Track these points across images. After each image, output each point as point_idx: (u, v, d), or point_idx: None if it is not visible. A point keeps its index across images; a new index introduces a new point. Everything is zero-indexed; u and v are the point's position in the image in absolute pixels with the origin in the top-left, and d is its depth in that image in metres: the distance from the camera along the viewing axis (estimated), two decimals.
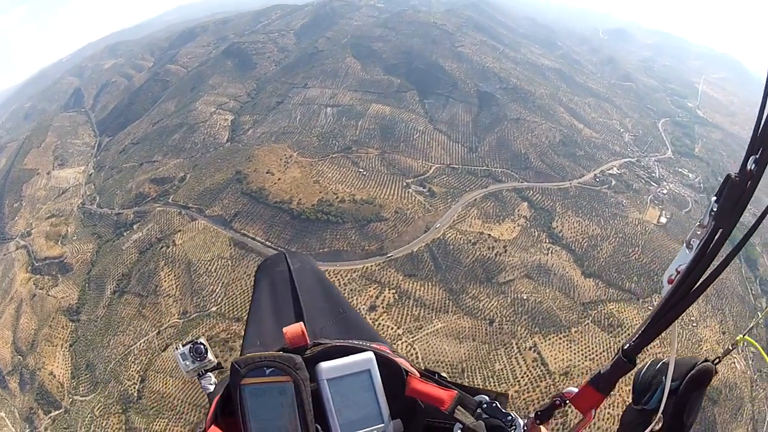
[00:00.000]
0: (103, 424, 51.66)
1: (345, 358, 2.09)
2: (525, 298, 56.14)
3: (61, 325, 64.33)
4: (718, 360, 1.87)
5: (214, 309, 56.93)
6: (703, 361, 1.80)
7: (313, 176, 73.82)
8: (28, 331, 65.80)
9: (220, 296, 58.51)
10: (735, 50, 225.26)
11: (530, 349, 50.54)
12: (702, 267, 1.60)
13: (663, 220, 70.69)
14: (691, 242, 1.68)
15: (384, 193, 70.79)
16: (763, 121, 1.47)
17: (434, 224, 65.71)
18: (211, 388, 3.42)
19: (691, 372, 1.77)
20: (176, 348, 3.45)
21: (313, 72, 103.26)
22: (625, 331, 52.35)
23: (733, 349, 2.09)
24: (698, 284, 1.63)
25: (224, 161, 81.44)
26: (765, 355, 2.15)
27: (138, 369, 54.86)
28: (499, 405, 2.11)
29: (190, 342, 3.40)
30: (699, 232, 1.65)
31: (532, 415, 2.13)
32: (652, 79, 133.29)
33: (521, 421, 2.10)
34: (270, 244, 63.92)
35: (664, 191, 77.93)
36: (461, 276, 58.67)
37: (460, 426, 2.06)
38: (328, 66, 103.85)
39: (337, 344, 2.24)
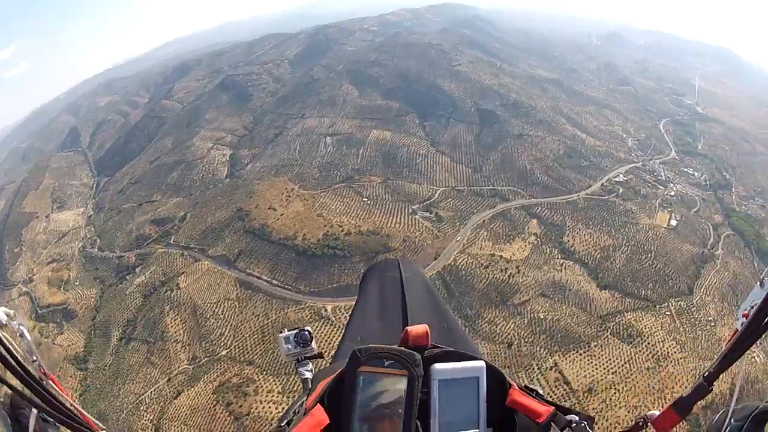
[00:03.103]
0: None
1: (459, 362, 2.16)
2: (542, 317, 55.58)
3: (69, 374, 63.34)
4: None
5: (224, 353, 56.00)
6: (766, 402, 1.93)
7: (316, 209, 73.06)
8: None
9: (229, 339, 57.69)
10: (728, 41, 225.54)
11: (551, 368, 50.02)
12: None
13: (673, 222, 70.24)
14: (764, 281, 1.85)
15: (390, 221, 69.74)
16: None
17: (444, 250, 64.44)
18: (308, 375, 3.54)
19: (754, 412, 1.90)
20: (281, 331, 3.62)
21: (310, 101, 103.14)
22: (645, 341, 52.07)
23: None
24: None
25: (225, 198, 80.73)
26: None
27: (151, 418, 53.99)
28: (587, 426, 2.15)
29: (297, 328, 3.57)
30: None
31: None
32: (650, 80, 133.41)
33: None
34: (277, 282, 62.90)
35: (672, 193, 77.46)
36: (475, 301, 57.77)
37: None
38: (324, 94, 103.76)
39: (454, 350, 2.33)
